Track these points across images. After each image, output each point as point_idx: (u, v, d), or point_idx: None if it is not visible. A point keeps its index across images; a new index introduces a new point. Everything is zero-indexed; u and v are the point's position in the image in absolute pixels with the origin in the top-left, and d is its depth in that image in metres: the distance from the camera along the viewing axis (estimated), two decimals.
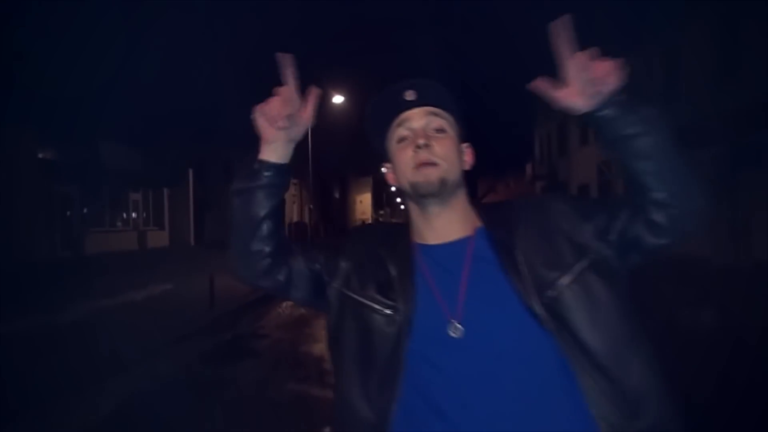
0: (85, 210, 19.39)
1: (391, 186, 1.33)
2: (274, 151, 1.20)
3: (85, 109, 15.57)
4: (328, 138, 24.42)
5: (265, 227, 1.21)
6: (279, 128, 1.18)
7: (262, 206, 1.20)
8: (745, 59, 12.19)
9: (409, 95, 1.22)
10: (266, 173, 1.20)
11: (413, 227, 1.26)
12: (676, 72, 14.75)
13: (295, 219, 30.44)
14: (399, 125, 1.23)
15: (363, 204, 58.56)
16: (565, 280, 1.09)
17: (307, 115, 1.20)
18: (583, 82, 1.09)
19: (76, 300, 9.40)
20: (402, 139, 1.22)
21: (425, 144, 1.17)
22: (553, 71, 1.13)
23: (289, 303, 9.77)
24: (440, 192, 1.17)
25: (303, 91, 1.21)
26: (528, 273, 1.10)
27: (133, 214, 22.92)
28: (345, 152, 34.94)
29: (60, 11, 14.82)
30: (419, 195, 1.19)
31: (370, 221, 56.09)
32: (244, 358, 6.61)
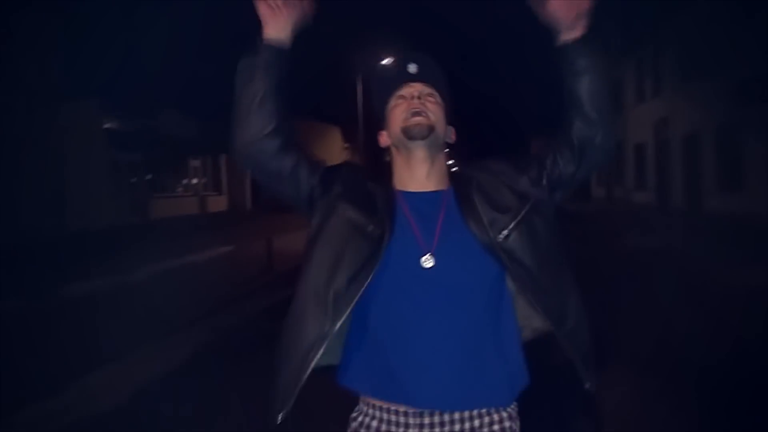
0: (148, 177, 20.23)
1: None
2: (274, 32, 1.34)
3: (146, 78, 16.13)
4: None
5: (267, 104, 1.33)
6: (276, 7, 1.32)
7: (262, 83, 1.33)
8: None
9: (412, 68, 1.41)
10: (265, 53, 1.34)
11: (396, 176, 1.43)
12: (745, 22, 14.00)
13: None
14: (399, 92, 1.42)
15: None
16: (513, 222, 1.32)
17: (307, 4, 1.36)
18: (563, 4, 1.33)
19: (145, 262, 9.97)
20: (400, 98, 1.41)
21: (420, 100, 1.38)
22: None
23: None
24: (428, 136, 1.36)
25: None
26: (485, 220, 1.32)
27: (194, 180, 23.74)
28: None
29: None
30: (409, 137, 1.36)
31: None
32: None
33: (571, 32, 1.35)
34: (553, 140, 1.44)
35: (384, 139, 1.46)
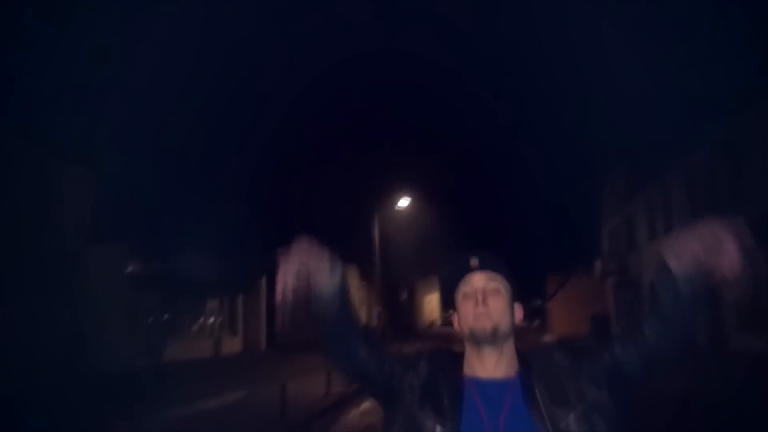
0: (165, 318, 20.23)
1: None
2: (328, 282, 1.53)
3: (169, 223, 16.75)
4: (394, 239, 24.91)
5: (343, 324, 1.54)
6: (315, 271, 1.50)
7: (332, 314, 1.53)
8: None
9: (473, 262, 1.57)
10: (322, 301, 1.52)
11: (467, 363, 1.55)
12: (757, 158, 14.27)
13: (363, 323, 30.48)
14: (465, 284, 1.57)
15: (431, 304, 57.68)
16: (572, 416, 1.40)
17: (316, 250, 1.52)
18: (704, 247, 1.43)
19: (154, 410, 9.70)
20: (466, 295, 1.56)
21: (483, 300, 1.51)
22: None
23: (359, 411, 9.80)
24: (493, 339, 1.49)
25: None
26: (545, 412, 1.41)
27: (210, 320, 23.62)
28: (411, 253, 35.29)
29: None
30: (475, 340, 1.51)
31: (438, 323, 55.24)
32: None
33: (688, 266, 1.45)
34: (619, 339, 1.53)
35: (456, 323, 1.60)
